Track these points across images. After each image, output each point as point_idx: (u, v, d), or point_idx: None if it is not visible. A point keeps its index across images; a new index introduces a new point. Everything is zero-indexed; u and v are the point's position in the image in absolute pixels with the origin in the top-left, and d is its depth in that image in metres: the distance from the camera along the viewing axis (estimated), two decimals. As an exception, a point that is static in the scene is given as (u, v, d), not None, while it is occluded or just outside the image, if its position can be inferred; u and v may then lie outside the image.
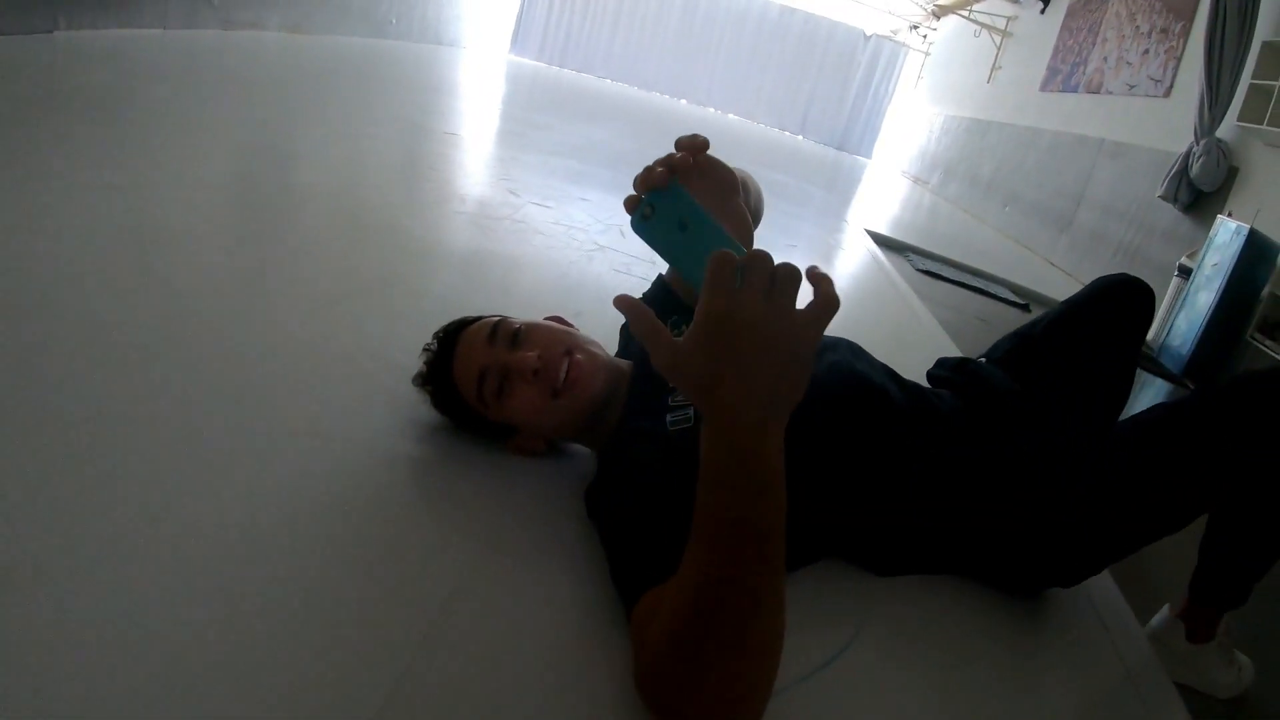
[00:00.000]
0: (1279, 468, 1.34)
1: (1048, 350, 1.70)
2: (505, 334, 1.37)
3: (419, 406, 1.46)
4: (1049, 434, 1.46)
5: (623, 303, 0.93)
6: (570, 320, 1.57)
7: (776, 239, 4.65)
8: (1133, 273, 1.75)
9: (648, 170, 0.94)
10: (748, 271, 0.86)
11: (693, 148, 1.03)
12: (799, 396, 0.90)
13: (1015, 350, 1.74)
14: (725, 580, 0.88)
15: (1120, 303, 1.70)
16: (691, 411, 1.29)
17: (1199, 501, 1.40)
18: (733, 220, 1.07)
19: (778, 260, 0.86)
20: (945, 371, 1.67)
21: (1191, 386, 4.99)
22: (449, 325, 1.45)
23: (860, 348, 1.55)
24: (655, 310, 1.52)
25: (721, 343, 0.86)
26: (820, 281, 0.90)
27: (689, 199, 0.93)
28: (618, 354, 1.67)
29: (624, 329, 1.69)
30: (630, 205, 0.93)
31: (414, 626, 1.04)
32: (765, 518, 0.89)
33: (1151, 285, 1.75)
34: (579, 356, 1.34)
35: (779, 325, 0.86)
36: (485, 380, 1.35)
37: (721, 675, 0.88)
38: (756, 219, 1.38)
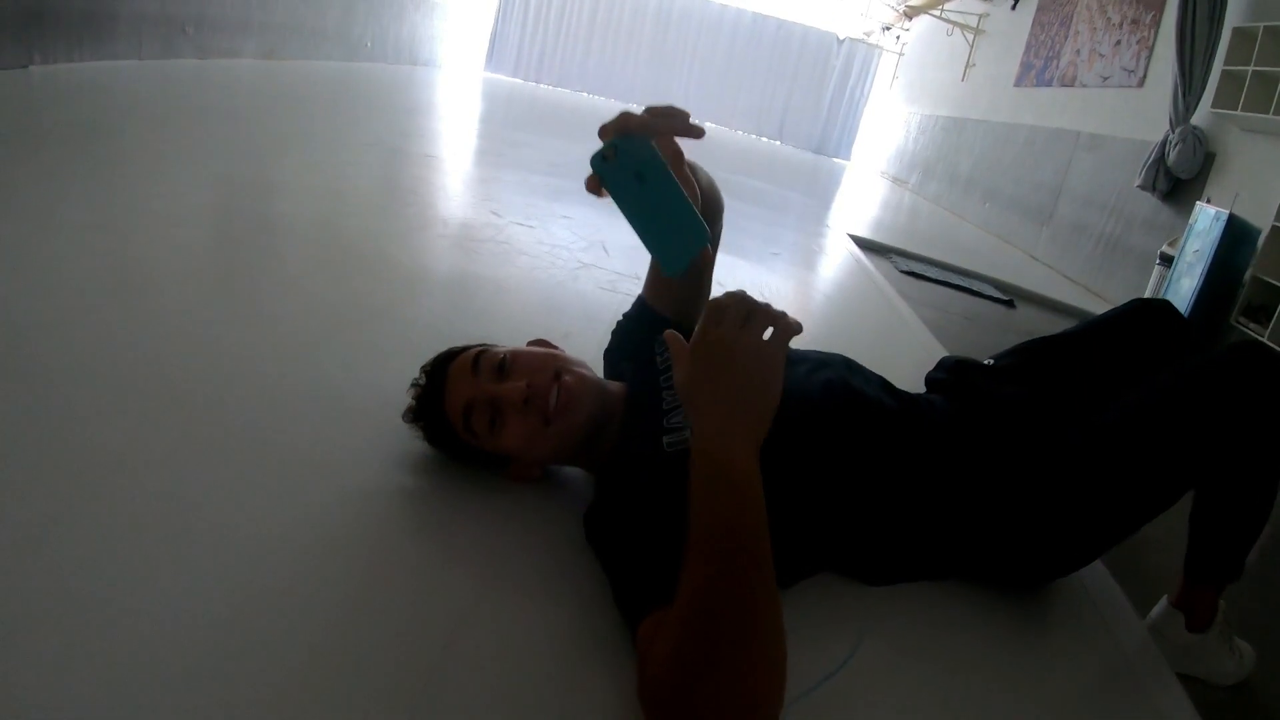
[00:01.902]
0: (1261, 438, 1.36)
1: (1064, 359, 1.73)
2: (490, 364, 1.35)
3: (412, 438, 1.44)
4: (1044, 433, 1.47)
5: (669, 335, 1.09)
6: (558, 342, 1.57)
7: (759, 247, 4.66)
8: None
9: (625, 115, 0.98)
10: (730, 307, 1.03)
11: (668, 115, 1.03)
12: (772, 409, 1.03)
13: (1030, 358, 1.75)
14: (722, 588, 0.92)
15: (1152, 328, 1.73)
16: (688, 433, 1.30)
17: (1187, 475, 1.41)
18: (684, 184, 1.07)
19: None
20: (943, 374, 1.69)
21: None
22: (435, 358, 1.44)
23: (855, 363, 1.55)
24: (635, 327, 1.53)
25: (704, 359, 1.03)
26: (783, 314, 1.06)
27: (654, 153, 0.96)
28: (607, 358, 1.68)
29: (607, 354, 1.69)
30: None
31: (419, 663, 1.03)
32: (751, 525, 0.97)
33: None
34: (568, 379, 1.34)
35: (751, 347, 1.02)
36: (473, 414, 1.34)
37: (728, 684, 0.88)
38: (714, 204, 1.40)
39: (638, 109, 1.01)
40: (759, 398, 1.02)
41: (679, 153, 1.07)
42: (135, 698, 0.89)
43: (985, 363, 1.77)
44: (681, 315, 1.56)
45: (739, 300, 1.04)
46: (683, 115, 1.02)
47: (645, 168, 0.96)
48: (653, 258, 0.98)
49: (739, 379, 1.01)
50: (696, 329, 1.05)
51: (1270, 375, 1.33)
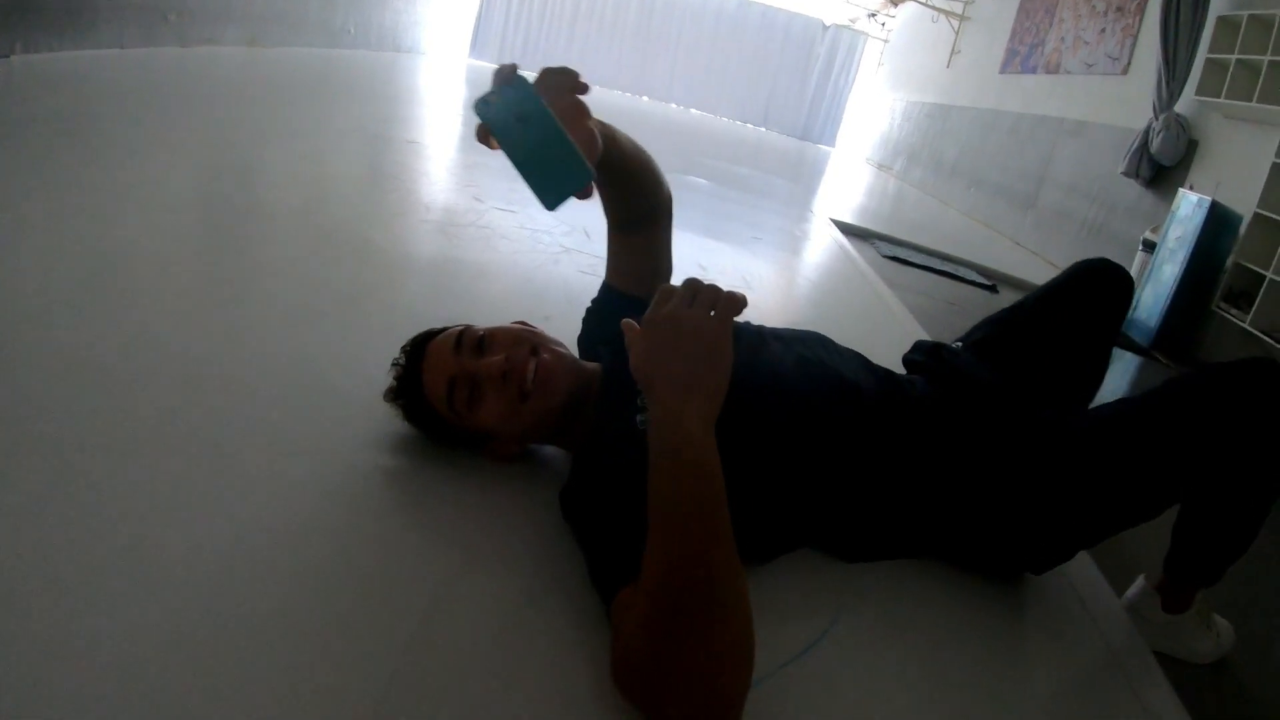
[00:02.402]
0: (1250, 457, 1.35)
1: (1025, 334, 1.74)
2: (470, 342, 1.36)
3: (392, 418, 1.45)
4: (1022, 420, 1.47)
5: (625, 324, 1.13)
6: (539, 324, 1.57)
7: (742, 231, 4.66)
8: (1098, 249, 1.79)
9: (507, 65, 1.03)
10: (678, 288, 1.10)
11: (559, 72, 1.10)
12: (723, 384, 1.07)
13: (991, 335, 1.77)
14: (681, 564, 0.94)
15: (1097, 288, 1.74)
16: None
17: (1170, 491, 1.41)
18: (579, 136, 1.08)
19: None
20: (920, 356, 1.69)
21: (1161, 359, 5.04)
22: (415, 338, 1.45)
23: (829, 340, 1.56)
24: (604, 311, 1.55)
25: (655, 339, 1.07)
26: (728, 292, 1.10)
27: (534, 95, 1.00)
28: (581, 346, 1.68)
29: (580, 340, 1.69)
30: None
31: (398, 634, 1.04)
32: (708, 499, 0.99)
33: (1117, 261, 1.78)
34: (545, 356, 1.34)
35: (696, 324, 1.07)
36: (455, 390, 1.34)
37: (692, 657, 0.90)
38: (641, 166, 1.43)
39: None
40: (709, 374, 1.05)
41: (582, 108, 1.11)
42: (117, 670, 0.89)
43: (954, 344, 1.78)
44: (645, 292, 1.57)
45: (685, 283, 1.10)
46: (571, 73, 1.09)
47: (525, 108, 1.00)
48: (534, 194, 1.00)
49: (687, 357, 1.05)
50: (646, 313, 1.10)
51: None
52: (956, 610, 1.41)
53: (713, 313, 1.08)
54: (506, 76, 1.02)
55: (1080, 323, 1.74)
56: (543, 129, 1.00)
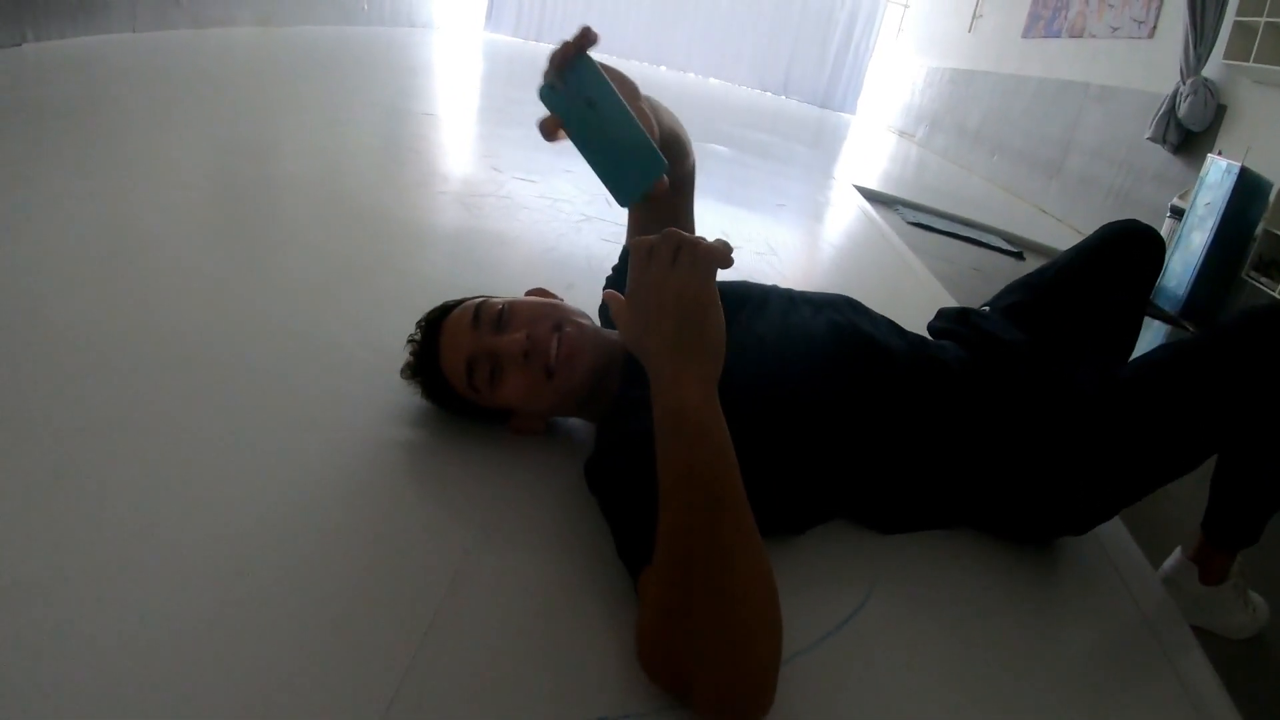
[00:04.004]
0: None
1: (1056, 297, 1.71)
2: (489, 317, 1.32)
3: (412, 392, 1.43)
4: (1056, 381, 1.44)
5: (607, 295, 1.07)
6: (561, 293, 1.54)
7: (765, 198, 4.63)
8: (1125, 215, 1.75)
9: (564, 45, 0.94)
10: (657, 246, 1.02)
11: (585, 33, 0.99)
12: (719, 344, 1.01)
13: (1022, 300, 1.74)
14: (689, 529, 0.92)
15: (1128, 250, 1.71)
16: None
17: (1210, 441, 1.38)
18: (641, 121, 1.02)
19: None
20: (947, 323, 1.66)
21: (1189, 327, 4.98)
22: (431, 313, 1.41)
23: (859, 303, 1.52)
24: (624, 278, 1.52)
25: (641, 307, 1.02)
26: (710, 243, 1.02)
27: (601, 77, 0.94)
28: (602, 317, 1.64)
29: (601, 310, 1.66)
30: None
31: (421, 610, 1.03)
32: (708, 463, 0.95)
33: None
34: (569, 330, 1.31)
35: (679, 285, 1.00)
36: (475, 369, 1.31)
37: (711, 629, 0.87)
38: (678, 143, 1.34)
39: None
40: (700, 335, 1.00)
41: (634, 87, 1.04)
42: (139, 640, 0.88)
43: (981, 309, 1.75)
44: None
45: (664, 238, 1.02)
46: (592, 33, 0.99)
47: (596, 92, 0.94)
48: (608, 189, 0.95)
49: (676, 320, 0.99)
50: (628, 280, 1.04)
51: None
52: (989, 579, 1.39)
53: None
54: (567, 59, 0.94)
55: (1112, 285, 1.71)
56: (615, 115, 0.94)
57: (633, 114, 0.95)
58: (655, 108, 1.15)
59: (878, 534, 1.39)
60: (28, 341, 1.44)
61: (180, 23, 6.23)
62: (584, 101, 0.93)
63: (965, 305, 1.82)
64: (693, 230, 1.57)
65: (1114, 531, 1.62)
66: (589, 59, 0.94)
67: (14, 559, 0.96)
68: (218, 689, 0.86)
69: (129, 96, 3.81)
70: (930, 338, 1.61)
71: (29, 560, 0.97)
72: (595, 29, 0.94)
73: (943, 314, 1.71)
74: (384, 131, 4.26)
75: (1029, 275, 1.83)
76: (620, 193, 0.97)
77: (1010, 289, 1.81)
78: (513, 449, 1.41)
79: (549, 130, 0.96)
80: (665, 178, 0.97)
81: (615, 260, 1.66)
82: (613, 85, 0.94)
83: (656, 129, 1.06)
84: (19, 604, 0.91)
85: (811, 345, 1.35)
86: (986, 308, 1.77)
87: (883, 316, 1.53)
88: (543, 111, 0.96)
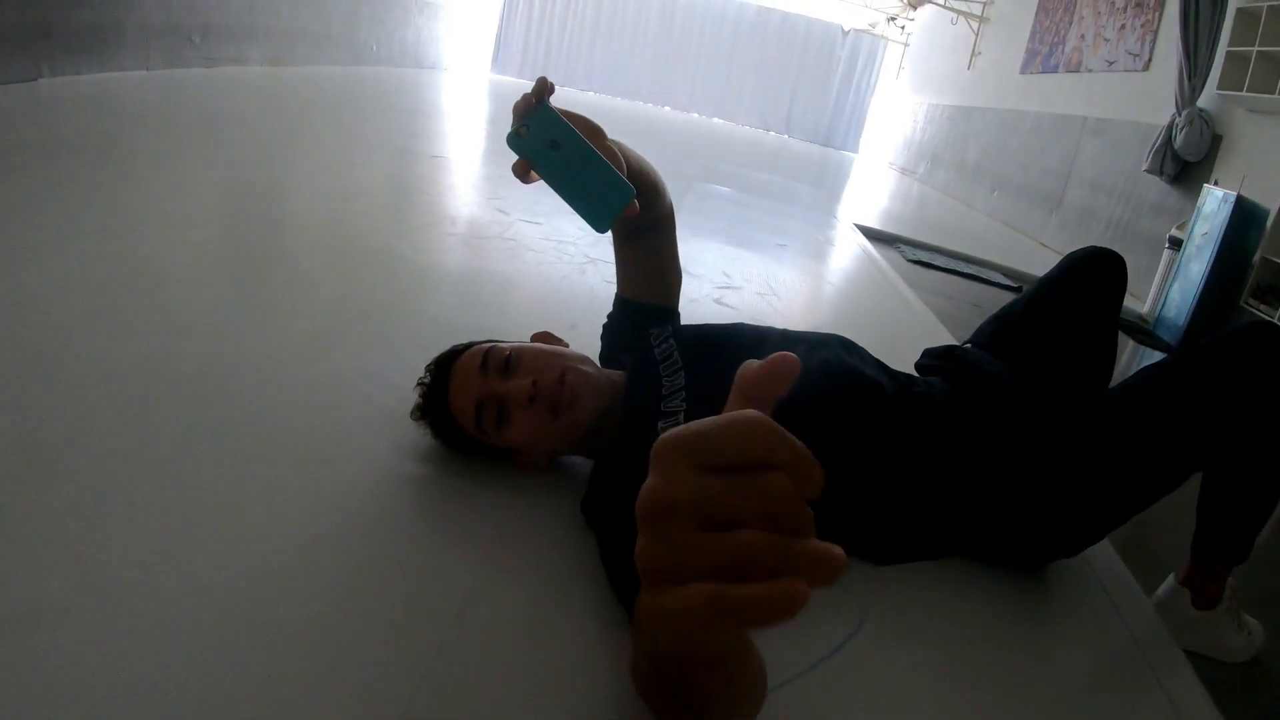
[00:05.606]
0: (1268, 419, 1.37)
1: (1028, 327, 1.76)
2: (497, 362, 1.37)
3: (422, 431, 1.47)
4: (1039, 405, 1.48)
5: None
6: (562, 334, 1.59)
7: (767, 238, 4.67)
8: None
9: (525, 96, 1.03)
10: (684, 498, 0.51)
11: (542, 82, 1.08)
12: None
13: (998, 332, 1.79)
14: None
15: (1091, 271, 1.77)
16: (683, 418, 1.31)
17: (1192, 456, 1.42)
18: (606, 156, 1.08)
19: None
20: (933, 360, 1.70)
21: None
22: (440, 357, 1.46)
23: (851, 342, 1.56)
24: (621, 322, 1.55)
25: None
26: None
27: (561, 120, 1.02)
28: (602, 361, 1.69)
29: (601, 356, 1.71)
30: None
31: (429, 638, 1.06)
32: None
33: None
34: (571, 377, 1.36)
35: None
36: (483, 412, 1.36)
37: (691, 705, 0.82)
38: (648, 179, 1.41)
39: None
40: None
41: (597, 128, 1.11)
42: (152, 665, 0.91)
43: (964, 345, 1.79)
44: (657, 296, 1.63)
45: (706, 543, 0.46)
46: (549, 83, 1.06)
47: (558, 134, 1.01)
48: (584, 219, 1.02)
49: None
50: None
51: None
52: (981, 607, 1.42)
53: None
54: (529, 107, 1.03)
55: (1079, 305, 1.76)
56: (578, 153, 1.01)
57: (595, 150, 1.02)
58: (623, 148, 1.23)
59: (870, 565, 1.42)
60: (41, 376, 1.48)
61: (193, 61, 6.33)
62: (548, 143, 1.01)
63: (961, 341, 1.86)
64: (678, 266, 1.63)
65: (1104, 557, 1.64)
66: (548, 106, 1.03)
67: (36, 586, 1.00)
68: (231, 707, 0.90)
69: (142, 133, 3.88)
70: (917, 375, 1.65)
71: (46, 590, 1.00)
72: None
73: (928, 353, 1.75)
74: (392, 173, 4.33)
75: (1001, 309, 1.88)
76: (593, 218, 1.03)
77: (986, 324, 1.86)
78: (517, 485, 1.45)
79: (521, 172, 1.05)
80: (635, 203, 1.03)
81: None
82: (573, 127, 1.02)
83: (624, 164, 1.14)
84: (45, 626, 0.94)
85: (806, 383, 1.38)
86: (968, 344, 1.81)
87: (871, 355, 1.57)
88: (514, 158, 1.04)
